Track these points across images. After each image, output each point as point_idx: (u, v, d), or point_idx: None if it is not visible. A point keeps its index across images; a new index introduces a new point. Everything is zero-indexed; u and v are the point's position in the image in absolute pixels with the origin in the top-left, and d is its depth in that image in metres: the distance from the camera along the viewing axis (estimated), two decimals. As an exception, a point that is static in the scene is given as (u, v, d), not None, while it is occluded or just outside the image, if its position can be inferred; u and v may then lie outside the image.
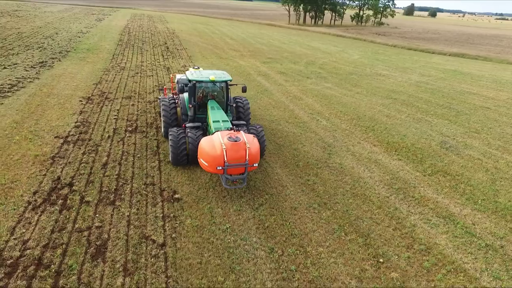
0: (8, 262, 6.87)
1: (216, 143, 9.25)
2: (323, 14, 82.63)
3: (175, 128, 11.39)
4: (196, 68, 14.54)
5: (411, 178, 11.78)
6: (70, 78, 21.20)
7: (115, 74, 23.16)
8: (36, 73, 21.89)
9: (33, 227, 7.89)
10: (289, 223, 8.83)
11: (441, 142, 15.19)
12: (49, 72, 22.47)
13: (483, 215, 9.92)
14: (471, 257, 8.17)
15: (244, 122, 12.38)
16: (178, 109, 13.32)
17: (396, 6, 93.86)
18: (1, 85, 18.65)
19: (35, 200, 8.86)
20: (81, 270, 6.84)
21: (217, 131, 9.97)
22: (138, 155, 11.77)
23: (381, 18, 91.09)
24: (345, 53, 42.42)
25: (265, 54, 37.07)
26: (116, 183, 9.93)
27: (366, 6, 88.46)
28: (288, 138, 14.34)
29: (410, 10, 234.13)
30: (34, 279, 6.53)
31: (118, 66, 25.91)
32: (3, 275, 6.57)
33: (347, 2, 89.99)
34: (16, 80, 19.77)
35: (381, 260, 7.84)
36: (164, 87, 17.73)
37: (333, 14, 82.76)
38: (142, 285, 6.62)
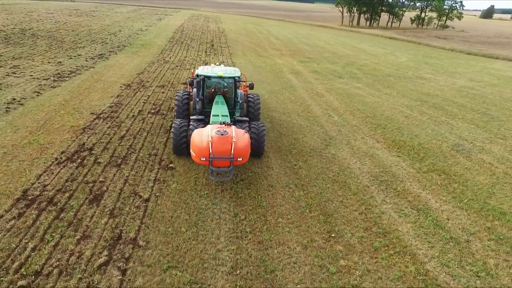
0: (29, 197, 8.94)
1: (204, 136, 9.60)
2: (379, 16, 79.72)
3: (178, 119, 11.85)
4: (218, 65, 15.23)
5: (402, 173, 11.90)
6: (119, 68, 24.25)
7: (158, 67, 25.81)
8: (93, 63, 25.40)
9: (53, 177, 9.97)
10: (260, 197, 9.80)
11: (455, 144, 14.73)
12: (103, 62, 25.87)
13: (463, 213, 9.85)
14: (428, 245, 8.38)
15: (246, 119, 12.32)
16: (191, 102, 13.87)
17: (464, 8, 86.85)
18: (63, 71, 22.17)
19: (61, 158, 11.04)
20: (79, 210, 8.64)
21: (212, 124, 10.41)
22: (151, 132, 13.62)
23: (445, 20, 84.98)
24: (392, 56, 41.09)
25: (306, 53, 37.60)
26: (126, 152, 11.80)
27: (429, 7, 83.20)
28: (292, 129, 15.15)
29: (488, 13, 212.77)
30: (43, 211, 8.46)
31: (163, 60, 28.69)
32: (23, 205, 8.61)
33: (407, 4, 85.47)
34: (76, 68, 23.27)
35: (333, 235, 8.47)
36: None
37: (391, 16, 79.41)
38: (120, 226, 8.19)
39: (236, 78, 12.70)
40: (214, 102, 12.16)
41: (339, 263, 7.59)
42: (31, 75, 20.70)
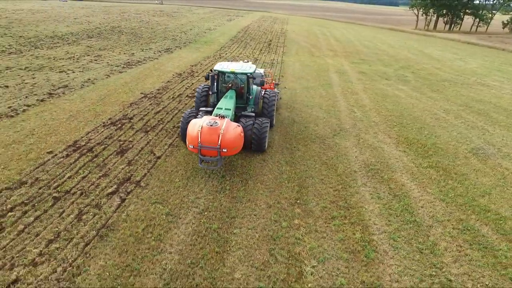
0: (77, 146, 11.93)
1: (196, 125, 10.07)
2: (461, 20, 73.02)
3: (188, 109, 12.71)
4: (246, 62, 16.13)
5: (397, 165, 12.27)
6: (177, 60, 27.76)
7: (211, 61, 28.74)
8: (159, 55, 29.43)
9: (97, 134, 12.94)
10: (250, 167, 11.35)
11: (476, 148, 14.25)
12: (167, 55, 29.77)
13: (441, 204, 10.07)
14: (385, 223, 9.04)
15: (253, 114, 12.69)
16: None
17: None
18: (133, 61, 26.37)
19: (107, 122, 14.08)
20: (107, 157, 11.30)
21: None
22: (182, 111, 16.09)
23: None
24: (460, 61, 38.27)
25: (361, 55, 37.32)
26: (156, 123, 14.40)
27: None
28: (308, 119, 16.24)
29: None
30: (83, 156, 11.30)
31: (219, 55, 31.64)
32: (71, 150, 11.58)
33: (498, 5, 76.49)
34: (143, 59, 27.39)
35: (299, 201, 9.66)
36: None
37: (475, 19, 72.17)
38: (132, 171, 10.57)
39: (248, 74, 12.88)
40: (223, 96, 12.59)
41: (293, 221, 8.81)
42: (107, 63, 25.18)
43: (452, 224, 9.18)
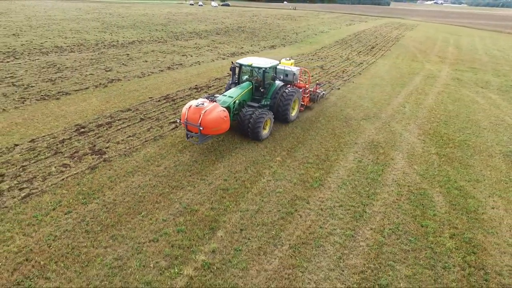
0: (167, 97, 17.68)
1: (188, 104, 11.68)
2: None
3: (206, 95, 15.00)
4: (288, 60, 17.56)
5: (403, 147, 13.55)
6: (274, 55, 32.42)
7: (305, 57, 32.29)
8: (261, 50, 34.75)
9: (182, 93, 18.55)
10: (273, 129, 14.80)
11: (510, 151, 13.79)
12: (269, 50, 34.81)
13: (415, 177, 11.39)
14: (348, 174, 11.25)
15: (255, 105, 13.44)
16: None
17: None
18: (237, 52, 32.41)
19: (192, 87, 19.66)
20: (180, 105, 16.59)
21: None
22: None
23: None
24: None
25: (474, 64, 34.23)
26: (216, 92, 19.22)
27: None
28: (350, 105, 18.25)
29: None
30: (168, 102, 16.89)
31: (315, 54, 34.83)
32: (163, 99, 17.38)
33: None
34: (247, 51, 33.16)
35: (289, 150, 12.68)
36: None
37: None
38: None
39: (264, 69, 13.66)
40: (238, 85, 13.90)
41: (275, 158, 12.02)
42: (218, 52, 31.90)
43: (409, 188, 10.66)
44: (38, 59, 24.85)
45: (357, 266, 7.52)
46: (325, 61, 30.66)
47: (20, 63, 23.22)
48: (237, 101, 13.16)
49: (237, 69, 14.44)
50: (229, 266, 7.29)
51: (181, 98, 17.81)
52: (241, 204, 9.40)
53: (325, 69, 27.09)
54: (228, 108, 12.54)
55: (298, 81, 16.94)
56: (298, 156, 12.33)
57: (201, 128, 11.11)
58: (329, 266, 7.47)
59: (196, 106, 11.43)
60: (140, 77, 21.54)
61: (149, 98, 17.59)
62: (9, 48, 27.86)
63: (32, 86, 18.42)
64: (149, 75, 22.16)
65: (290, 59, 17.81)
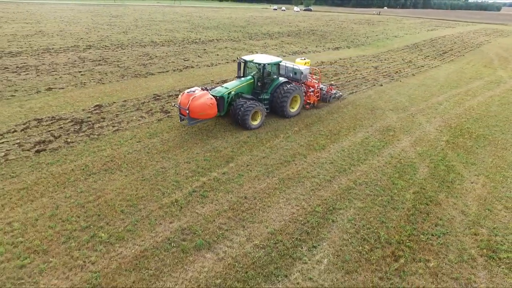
0: (176, 92, 21.71)
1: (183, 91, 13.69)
2: None
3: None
4: (303, 59, 18.65)
5: (416, 133, 15.06)
6: (334, 55, 34.49)
7: (362, 58, 33.66)
8: (323, 50, 37.05)
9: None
10: (307, 112, 17.54)
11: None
12: (331, 51, 36.94)
13: (412, 154, 13.07)
14: (354, 147, 13.48)
15: (248, 97, 14.47)
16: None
17: None
18: (300, 51, 35.32)
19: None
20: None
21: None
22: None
23: None
24: None
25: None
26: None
27: None
28: (383, 98, 19.81)
29: None
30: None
31: (376, 56, 35.77)
32: (172, 95, 21.43)
33: None
34: (310, 51, 35.84)
35: (307, 124, 15.34)
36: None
37: None
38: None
39: (263, 65, 14.63)
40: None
41: (293, 128, 14.83)
42: (282, 51, 35.25)
43: (399, 160, 12.50)
44: (137, 50, 31.55)
45: (323, 196, 10.09)
46: (383, 63, 31.60)
47: (124, 52, 30.03)
48: (232, 92, 14.26)
49: (242, 65, 15.41)
50: (231, 181, 10.57)
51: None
52: (253, 151, 12.60)
53: (378, 69, 28.31)
54: (221, 97, 13.83)
55: (310, 80, 17.81)
56: (313, 129, 14.95)
57: (188, 112, 12.55)
58: (302, 193, 10.19)
59: (187, 92, 13.01)
60: (209, 66, 26.15)
61: (211, 80, 21.83)
62: (119, 41, 35.57)
63: (130, 68, 24.31)
64: (216, 65, 26.67)
65: (304, 59, 18.96)
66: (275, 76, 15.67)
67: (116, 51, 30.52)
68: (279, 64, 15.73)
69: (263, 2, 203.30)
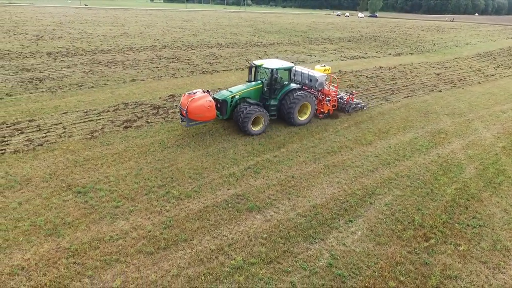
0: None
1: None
2: None
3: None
4: (323, 66, 17.81)
5: (470, 138, 15.02)
6: (394, 61, 34.11)
7: (422, 64, 32.78)
8: (384, 56, 36.73)
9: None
10: (365, 112, 18.29)
11: None
12: (391, 57, 36.52)
13: (465, 158, 13.23)
14: (401, 145, 14.06)
15: (252, 102, 14.07)
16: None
17: None
18: (359, 56, 35.52)
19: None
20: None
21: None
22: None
23: None
24: None
25: None
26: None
27: None
28: (441, 104, 19.64)
29: None
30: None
31: (441, 63, 34.49)
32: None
33: None
34: (369, 56, 35.86)
35: (361, 123, 16.11)
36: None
37: None
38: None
39: (271, 70, 14.12)
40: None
41: (343, 125, 15.75)
42: (341, 55, 35.81)
43: (446, 159, 12.80)
44: (205, 50, 34.64)
45: (364, 183, 10.99)
46: (447, 70, 30.49)
47: (194, 52, 33.26)
48: (237, 96, 14.02)
49: (253, 69, 15.05)
50: (281, 163, 11.98)
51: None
52: (303, 141, 13.88)
53: (440, 76, 27.54)
54: (224, 101, 13.75)
55: (329, 88, 16.91)
56: (362, 127, 15.71)
57: (185, 112, 12.71)
58: (345, 178, 11.21)
59: (188, 94, 13.26)
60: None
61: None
62: (189, 43, 39.25)
63: (198, 65, 27.10)
64: (275, 66, 28.40)
65: (324, 66, 18.01)
66: (286, 82, 15.17)
67: (187, 51, 33.90)
68: (290, 70, 15.15)
69: (326, 8, 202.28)
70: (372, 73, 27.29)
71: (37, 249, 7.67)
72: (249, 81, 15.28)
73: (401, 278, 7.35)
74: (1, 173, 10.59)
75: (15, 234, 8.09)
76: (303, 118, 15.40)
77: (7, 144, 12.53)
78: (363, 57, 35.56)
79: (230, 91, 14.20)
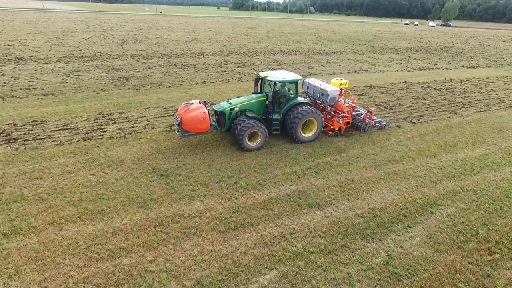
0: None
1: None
2: None
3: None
4: (339, 80, 16.22)
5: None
6: (466, 73, 32.05)
7: (497, 78, 30.33)
8: (455, 68, 34.69)
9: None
10: (389, 134, 17.91)
11: None
12: (464, 69, 34.35)
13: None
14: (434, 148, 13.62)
15: (251, 115, 13.36)
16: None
17: None
18: (424, 68, 34.03)
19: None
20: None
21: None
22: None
23: None
24: None
25: None
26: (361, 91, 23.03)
27: None
28: (480, 120, 18.30)
29: None
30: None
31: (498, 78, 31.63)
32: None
33: None
34: (438, 68, 34.20)
35: (423, 136, 15.84)
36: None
37: None
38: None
39: (275, 82, 13.52)
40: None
41: (407, 135, 15.64)
42: (407, 66, 34.69)
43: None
44: (268, 57, 36.07)
45: (425, 192, 11.01)
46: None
47: (258, 58, 34.88)
48: (236, 109, 13.55)
49: (259, 81, 14.49)
50: (341, 166, 12.47)
51: (353, 90, 23.18)
52: (364, 148, 14.18)
53: (521, 91, 25.39)
54: (222, 113, 13.42)
55: (342, 103, 15.50)
56: (427, 138, 15.43)
57: (178, 122, 12.60)
58: (405, 186, 11.31)
59: (184, 104, 13.08)
60: (331, 74, 28.27)
61: (332, 87, 23.94)
62: (254, 49, 41.11)
63: (262, 71, 28.45)
64: (337, 74, 28.60)
65: (341, 79, 16.21)
66: (292, 96, 14.40)
67: (252, 57, 35.66)
68: (297, 83, 14.19)
69: (393, 16, 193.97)
70: (441, 85, 26.14)
71: (131, 217, 9.25)
72: (255, 93, 14.71)
73: (460, 285, 7.46)
74: (102, 154, 12.70)
75: (114, 203, 9.81)
76: (308, 135, 14.33)
77: (104, 131, 14.85)
78: (431, 68, 34.03)
79: (229, 103, 13.79)
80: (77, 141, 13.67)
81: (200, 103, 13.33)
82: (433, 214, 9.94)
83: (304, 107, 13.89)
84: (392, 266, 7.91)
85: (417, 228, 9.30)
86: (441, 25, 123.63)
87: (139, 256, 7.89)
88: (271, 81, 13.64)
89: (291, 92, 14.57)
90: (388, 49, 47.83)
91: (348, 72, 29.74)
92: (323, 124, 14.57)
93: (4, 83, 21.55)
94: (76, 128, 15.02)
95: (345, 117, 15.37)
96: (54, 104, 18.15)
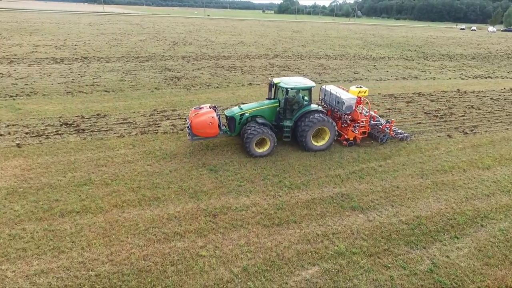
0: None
1: None
2: None
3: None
4: (358, 87, 15.22)
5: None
6: (479, 85, 29.79)
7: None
8: (504, 76, 32.28)
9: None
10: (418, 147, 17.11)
11: None
12: (499, 80, 31.88)
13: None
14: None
15: (260, 121, 13.22)
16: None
17: None
18: (480, 76, 32.01)
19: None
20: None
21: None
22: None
23: None
24: None
25: None
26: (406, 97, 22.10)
27: None
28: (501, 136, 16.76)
29: None
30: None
31: None
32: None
33: None
34: (491, 75, 32.03)
35: (477, 148, 15.15)
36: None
37: None
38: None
39: (285, 88, 13.37)
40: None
41: (458, 145, 15.06)
42: (461, 73, 32.95)
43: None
44: (313, 61, 36.14)
45: (476, 205, 10.63)
46: None
47: (303, 62, 35.09)
48: (246, 114, 13.54)
49: (274, 87, 14.34)
50: (386, 173, 12.41)
51: (401, 97, 22.59)
52: (410, 156, 13.92)
53: None
54: (232, 118, 13.54)
55: (360, 112, 14.89)
56: (481, 150, 14.74)
57: (189, 125, 12.93)
58: (454, 197, 11.00)
59: (194, 109, 13.47)
60: (377, 80, 27.74)
61: (378, 93, 23.50)
62: (299, 53, 41.38)
63: (307, 75, 28.67)
64: (385, 80, 27.97)
65: (361, 87, 15.30)
66: (306, 103, 14.16)
67: (297, 60, 35.96)
68: (310, 90, 13.94)
69: (448, 21, 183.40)
70: (499, 95, 24.57)
71: (184, 206, 10.06)
72: (268, 98, 14.64)
73: (510, 301, 7.25)
74: (157, 147, 13.81)
75: (169, 192, 10.70)
76: (320, 143, 13.97)
77: (159, 126, 16.05)
78: (489, 77, 31.99)
79: (240, 108, 13.89)
80: (135, 134, 14.95)
81: (210, 108, 13.59)
82: (484, 227, 9.61)
83: (316, 115, 13.58)
84: (437, 274, 7.86)
85: (465, 239, 9.09)
86: (502, 30, 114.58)
87: (191, 241, 8.61)
88: (283, 87, 13.52)
89: (305, 99, 14.36)
90: (441, 56, 45.56)
91: (396, 78, 28.94)
92: (336, 133, 14.16)
93: (73, 79, 23.96)
94: (134, 122, 16.40)
95: (361, 126, 14.68)
96: (114, 100, 19.89)
